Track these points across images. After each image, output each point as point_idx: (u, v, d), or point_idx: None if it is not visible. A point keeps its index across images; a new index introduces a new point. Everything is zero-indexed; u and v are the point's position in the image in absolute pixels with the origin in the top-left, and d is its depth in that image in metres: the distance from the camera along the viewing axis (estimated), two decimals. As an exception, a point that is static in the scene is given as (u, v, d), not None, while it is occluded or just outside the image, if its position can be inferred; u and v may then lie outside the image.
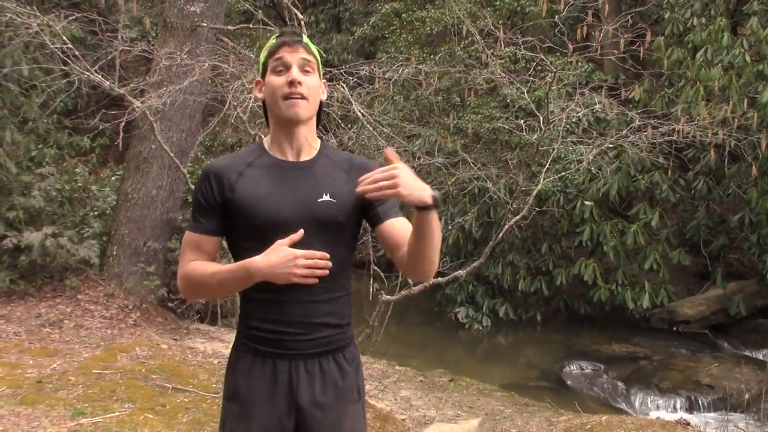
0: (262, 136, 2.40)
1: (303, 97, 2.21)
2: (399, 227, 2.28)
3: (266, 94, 2.27)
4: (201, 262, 2.27)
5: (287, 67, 2.22)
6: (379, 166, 2.28)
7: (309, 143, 2.30)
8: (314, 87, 2.26)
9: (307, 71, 2.24)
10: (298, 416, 2.24)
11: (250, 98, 7.03)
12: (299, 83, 2.20)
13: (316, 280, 2.14)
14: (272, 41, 2.28)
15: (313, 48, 2.29)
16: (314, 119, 2.33)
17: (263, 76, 2.29)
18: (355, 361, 2.36)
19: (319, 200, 2.22)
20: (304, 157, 2.29)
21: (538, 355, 10.18)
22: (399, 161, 2.07)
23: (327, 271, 2.15)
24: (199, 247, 2.28)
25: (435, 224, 2.11)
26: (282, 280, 2.13)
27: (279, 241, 2.13)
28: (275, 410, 2.23)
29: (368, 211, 2.30)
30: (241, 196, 2.21)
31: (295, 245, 2.15)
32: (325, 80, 2.37)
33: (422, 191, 2.04)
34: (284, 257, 2.11)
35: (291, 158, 2.28)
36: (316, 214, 2.21)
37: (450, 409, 6.51)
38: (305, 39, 2.28)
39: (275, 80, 2.23)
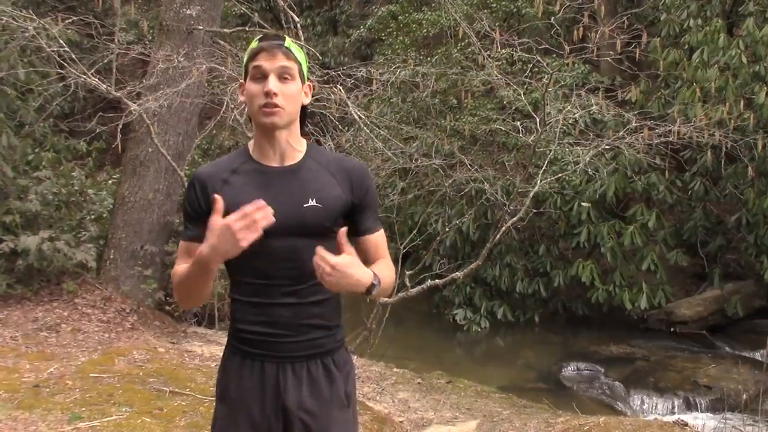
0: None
1: (279, 107, 2.19)
2: (374, 244, 2.36)
3: (246, 99, 2.25)
4: (180, 266, 2.28)
5: (264, 76, 2.19)
6: (369, 175, 2.35)
7: (293, 147, 2.29)
8: (292, 95, 2.22)
9: (285, 78, 2.20)
10: (285, 419, 2.25)
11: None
12: (275, 94, 2.17)
13: (260, 233, 2.03)
14: (254, 44, 2.25)
15: (295, 51, 2.24)
16: (296, 123, 2.30)
17: (245, 78, 2.26)
18: (346, 367, 2.36)
19: (305, 206, 2.21)
20: (289, 162, 2.28)
21: (536, 357, 10.19)
22: (349, 248, 2.09)
23: (272, 218, 2.03)
24: (189, 254, 2.27)
25: (376, 296, 2.19)
26: (233, 254, 2.04)
27: (212, 219, 2.05)
28: (264, 412, 2.25)
29: (351, 219, 2.32)
30: (225, 204, 2.17)
31: (282, 251, 2.17)
32: (311, 83, 2.34)
33: (357, 287, 2.09)
34: (219, 233, 2.02)
35: (275, 163, 2.27)
36: (302, 220, 2.21)
37: (448, 411, 6.50)
38: (287, 42, 2.23)
39: (253, 88, 2.21)
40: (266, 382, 2.25)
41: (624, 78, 12.49)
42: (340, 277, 2.04)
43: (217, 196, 2.08)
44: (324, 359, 2.29)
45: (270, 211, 2.02)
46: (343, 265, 2.04)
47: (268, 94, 2.17)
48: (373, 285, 2.12)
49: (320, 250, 2.03)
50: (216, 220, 2.03)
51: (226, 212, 2.15)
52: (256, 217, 1.99)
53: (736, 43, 10.49)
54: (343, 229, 2.11)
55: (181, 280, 2.23)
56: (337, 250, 2.07)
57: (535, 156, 9.20)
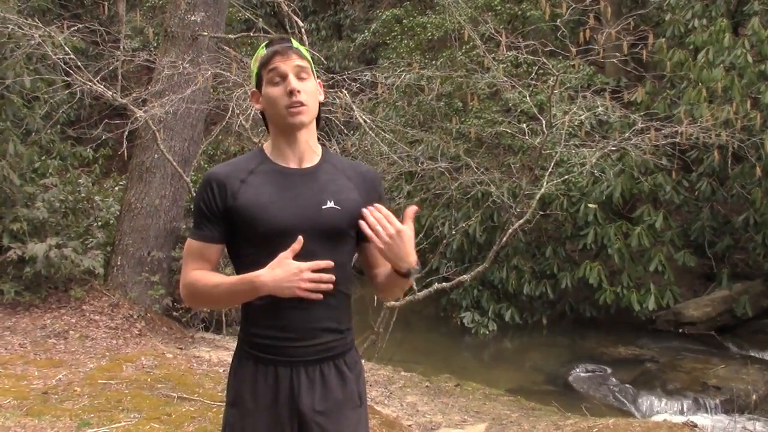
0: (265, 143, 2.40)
1: (304, 104, 2.22)
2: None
3: (266, 105, 2.27)
4: (205, 272, 2.28)
5: (283, 77, 2.21)
6: (381, 181, 2.36)
7: (311, 149, 2.31)
8: (312, 92, 2.26)
9: (302, 77, 2.24)
10: (299, 423, 2.25)
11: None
12: (298, 92, 2.20)
13: (321, 296, 2.14)
14: (262, 51, 2.28)
15: (304, 51, 2.29)
16: (314, 123, 2.33)
17: (258, 86, 2.29)
18: (357, 367, 2.36)
19: (323, 207, 2.22)
20: (307, 164, 2.29)
21: (544, 359, 10.16)
22: (412, 225, 2.18)
23: (331, 286, 2.14)
24: (201, 255, 2.29)
25: (407, 283, 2.29)
26: (287, 294, 2.13)
27: (282, 254, 2.12)
28: (277, 417, 2.24)
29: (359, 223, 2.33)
30: (244, 203, 2.21)
31: (299, 254, 2.15)
32: (320, 80, 2.37)
33: (405, 261, 2.18)
34: (289, 271, 2.11)
35: (293, 165, 2.28)
36: (320, 222, 2.21)
37: (456, 414, 6.49)
38: (295, 43, 2.27)
39: (274, 91, 2.23)
40: (280, 387, 2.24)
41: (629, 79, 12.48)
42: (399, 244, 2.15)
43: (300, 238, 2.13)
44: (336, 361, 2.29)
45: (332, 278, 2.15)
46: (407, 234, 2.15)
47: (292, 93, 2.20)
48: (414, 268, 2.21)
49: (382, 209, 2.16)
50: (287, 256, 2.12)
51: (246, 211, 2.20)
52: (322, 285, 2.13)
53: (741, 43, 10.47)
54: (413, 208, 2.20)
55: (214, 292, 2.24)
56: (404, 221, 2.17)
57: (541, 158, 9.19)
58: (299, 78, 2.23)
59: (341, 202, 2.24)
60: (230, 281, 2.20)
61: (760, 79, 10.26)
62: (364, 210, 2.17)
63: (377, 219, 2.15)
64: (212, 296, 2.26)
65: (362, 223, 2.17)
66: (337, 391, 2.28)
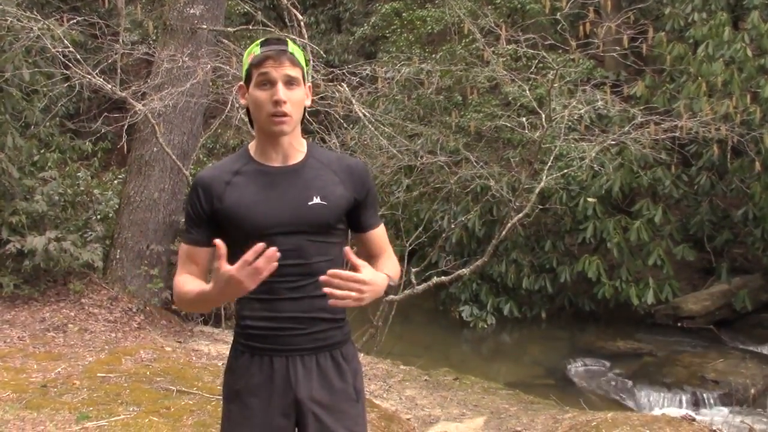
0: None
1: (287, 115, 2.21)
2: (376, 239, 2.43)
3: (250, 105, 2.27)
4: (186, 277, 2.29)
5: (272, 84, 2.20)
6: (369, 173, 2.36)
7: (295, 148, 2.32)
8: (298, 101, 2.25)
9: (291, 86, 2.22)
10: (298, 412, 2.26)
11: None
12: (284, 102, 2.19)
13: (265, 276, 2.01)
14: (256, 49, 2.25)
15: (299, 56, 2.26)
16: (298, 126, 2.33)
17: (247, 81, 2.27)
18: (353, 361, 2.37)
19: (309, 203, 2.24)
20: (291, 162, 2.30)
21: (542, 353, 10.17)
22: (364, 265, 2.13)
23: (276, 261, 1.99)
24: (191, 258, 2.31)
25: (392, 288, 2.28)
26: (243, 292, 2.04)
27: (218, 266, 2.01)
28: (274, 408, 2.26)
29: (351, 215, 2.35)
30: (229, 205, 2.23)
31: (288, 249, 2.15)
32: (310, 84, 2.37)
33: (377, 294, 2.16)
34: (226, 282, 2.00)
35: (277, 163, 2.29)
36: (307, 218, 2.23)
37: (455, 407, 6.50)
38: (290, 47, 2.25)
39: (260, 95, 2.22)
40: (276, 377, 2.26)
41: (629, 73, 12.46)
42: (372, 291, 2.12)
43: (218, 242, 1.99)
44: (332, 352, 2.31)
45: (274, 251, 1.98)
46: (371, 278, 2.11)
47: (277, 103, 2.19)
48: (389, 286, 2.23)
49: (339, 274, 2.05)
50: (223, 269, 1.99)
51: (232, 212, 2.23)
52: (259, 265, 1.97)
53: (741, 37, 10.45)
54: (348, 248, 2.14)
55: (189, 299, 2.25)
56: (352, 268, 2.10)
57: (541, 152, 9.18)
58: (288, 86, 2.21)
59: (327, 197, 2.26)
60: (194, 292, 2.19)
61: (759, 73, 10.25)
62: (324, 278, 2.03)
63: (342, 288, 2.04)
64: (188, 302, 2.27)
65: (331, 301, 2.05)
66: (334, 381, 2.29)
